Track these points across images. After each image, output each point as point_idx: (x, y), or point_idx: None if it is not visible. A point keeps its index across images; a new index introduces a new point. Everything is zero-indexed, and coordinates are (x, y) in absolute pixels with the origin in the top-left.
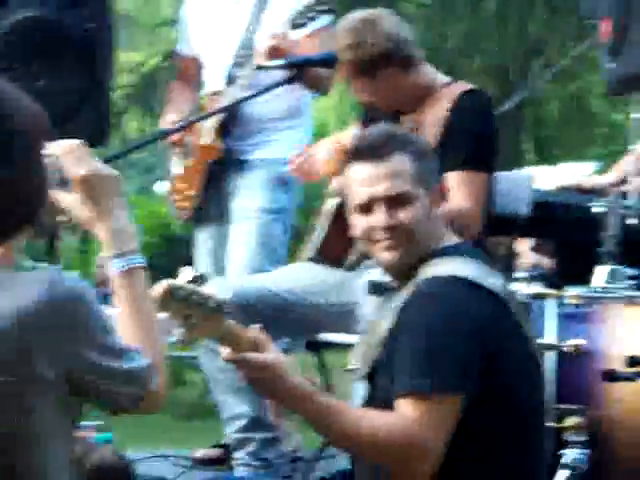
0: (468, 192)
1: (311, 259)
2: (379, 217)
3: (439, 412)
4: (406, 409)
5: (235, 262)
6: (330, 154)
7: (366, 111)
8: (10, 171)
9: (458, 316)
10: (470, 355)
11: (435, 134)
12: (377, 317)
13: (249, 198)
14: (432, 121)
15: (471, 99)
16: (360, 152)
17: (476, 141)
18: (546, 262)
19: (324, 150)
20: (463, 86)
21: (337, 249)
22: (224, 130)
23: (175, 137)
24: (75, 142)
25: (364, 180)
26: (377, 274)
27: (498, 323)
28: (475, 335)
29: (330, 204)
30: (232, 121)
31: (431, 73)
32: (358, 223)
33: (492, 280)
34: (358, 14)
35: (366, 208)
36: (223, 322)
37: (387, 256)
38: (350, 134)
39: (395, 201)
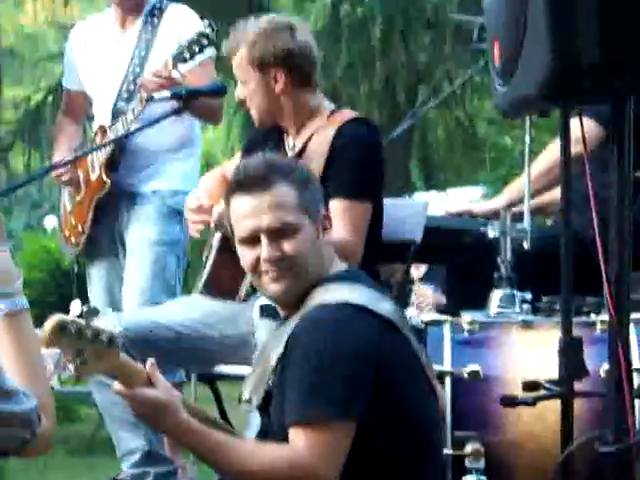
0: (349, 223)
1: (202, 292)
2: (264, 249)
3: (329, 439)
4: (297, 439)
5: (129, 295)
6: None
7: (249, 140)
8: None
9: (345, 341)
10: (359, 379)
11: (319, 163)
12: (267, 346)
13: (142, 231)
14: (317, 149)
15: (355, 128)
16: (241, 184)
17: (359, 171)
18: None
19: (209, 183)
20: (348, 114)
21: (226, 282)
22: (113, 164)
23: (63, 173)
24: None
25: (247, 212)
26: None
27: (390, 347)
28: (364, 360)
29: (216, 236)
30: (121, 154)
31: (319, 98)
32: (244, 256)
33: (383, 305)
34: (283, 16)
35: (250, 241)
36: (116, 356)
37: (274, 288)
38: (234, 164)
39: (279, 232)
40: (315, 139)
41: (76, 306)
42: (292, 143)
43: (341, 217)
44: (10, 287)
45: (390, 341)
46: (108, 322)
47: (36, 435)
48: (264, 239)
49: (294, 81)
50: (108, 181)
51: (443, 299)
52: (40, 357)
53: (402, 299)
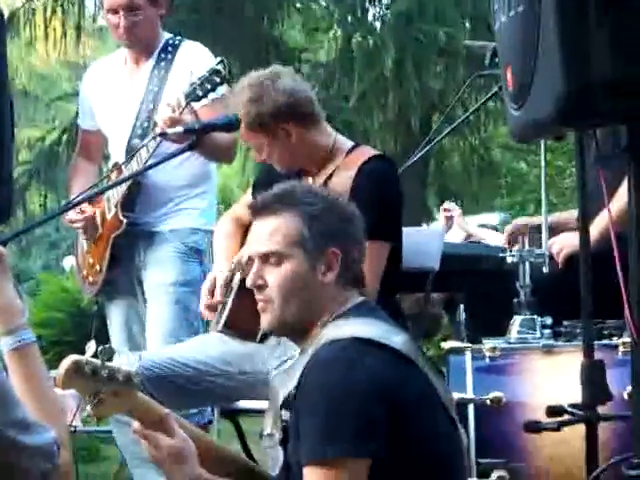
0: (367, 264)
1: (221, 332)
2: (249, 275)
3: (344, 478)
4: (311, 478)
5: (153, 339)
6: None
7: (263, 173)
8: None
9: (356, 379)
10: (372, 416)
11: None
12: (278, 381)
13: (161, 272)
14: (339, 190)
15: (375, 166)
16: (253, 208)
17: (380, 210)
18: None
19: (224, 228)
20: (367, 152)
21: (245, 322)
22: (129, 202)
23: (76, 220)
24: None
25: (251, 237)
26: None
27: (402, 381)
28: (376, 395)
29: (236, 277)
30: (137, 193)
31: (332, 134)
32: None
33: (394, 338)
34: (259, 72)
35: (251, 266)
36: (133, 395)
37: (262, 319)
38: (245, 202)
39: (265, 259)
40: (335, 179)
41: (91, 346)
42: (313, 180)
43: None
44: (16, 322)
45: (402, 374)
46: (126, 362)
47: (56, 467)
48: (254, 265)
49: (303, 128)
50: (124, 220)
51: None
52: (49, 390)
53: (421, 328)
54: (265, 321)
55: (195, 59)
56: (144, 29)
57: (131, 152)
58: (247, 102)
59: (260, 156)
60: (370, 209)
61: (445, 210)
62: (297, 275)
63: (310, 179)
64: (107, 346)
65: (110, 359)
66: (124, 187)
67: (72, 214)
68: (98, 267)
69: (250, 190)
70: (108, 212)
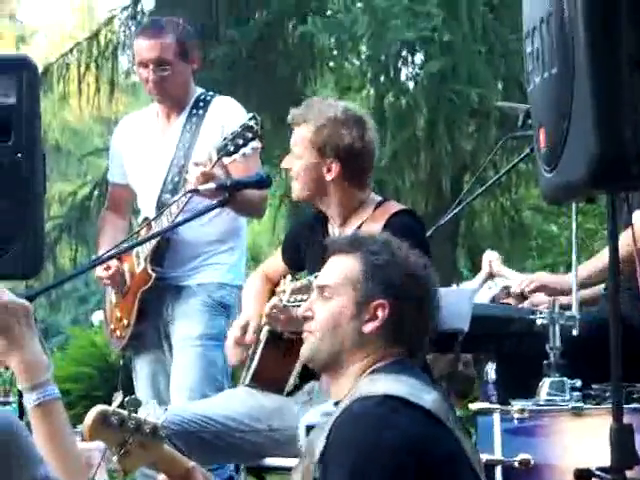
0: None
1: (249, 386)
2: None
3: None
4: None
5: (177, 392)
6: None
7: (292, 231)
8: None
9: (386, 435)
10: (399, 475)
11: None
12: (313, 437)
13: (188, 325)
14: None
15: (403, 220)
16: (329, 245)
17: None
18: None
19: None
20: (395, 207)
21: (273, 375)
22: (158, 257)
23: (104, 277)
24: None
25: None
26: (314, 414)
27: (432, 440)
28: (405, 453)
29: (264, 330)
30: (166, 247)
31: (368, 193)
32: None
33: (426, 396)
34: (352, 107)
35: None
36: (159, 447)
37: (303, 347)
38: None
39: (321, 293)
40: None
41: (118, 397)
42: (338, 233)
43: None
44: (41, 378)
45: (431, 433)
46: (152, 413)
47: None
48: (311, 294)
49: (346, 176)
50: (153, 275)
51: None
52: (74, 446)
53: (455, 388)
54: (303, 350)
55: (227, 114)
56: (174, 84)
57: (162, 207)
58: (330, 120)
59: (288, 164)
60: None
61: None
62: (339, 314)
63: (336, 229)
64: (134, 397)
65: (136, 410)
66: (153, 242)
67: (99, 270)
68: (126, 321)
69: (280, 249)
70: (137, 267)
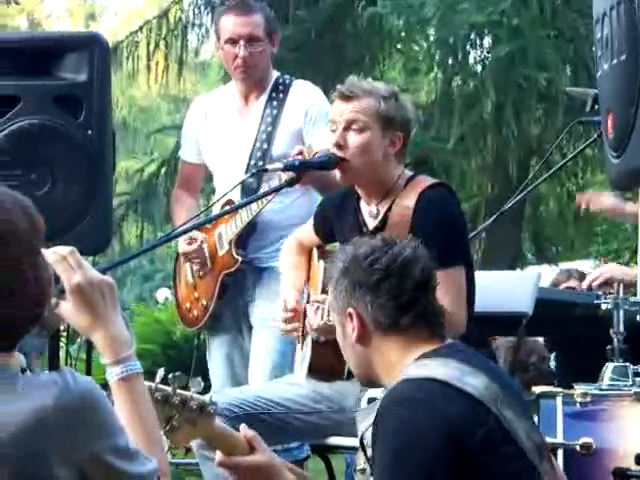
0: (448, 293)
1: (307, 377)
2: None
3: None
4: None
5: (257, 370)
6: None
7: (323, 205)
8: (11, 279)
9: (424, 420)
10: (437, 459)
11: (404, 232)
12: (365, 418)
13: (270, 306)
14: (399, 220)
15: (435, 194)
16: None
17: (446, 237)
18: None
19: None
20: (425, 181)
21: (328, 366)
22: (244, 241)
23: (193, 253)
24: (68, 249)
25: None
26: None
27: (472, 424)
28: (444, 437)
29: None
30: (252, 232)
31: (402, 167)
32: None
33: (472, 381)
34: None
35: None
36: (209, 424)
37: None
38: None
39: None
40: (396, 209)
41: (160, 374)
42: (374, 210)
43: (439, 288)
44: (124, 353)
45: (471, 417)
46: (216, 396)
47: None
48: None
49: (402, 150)
50: (239, 258)
51: None
52: (155, 421)
53: (515, 372)
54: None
55: (309, 98)
56: (261, 62)
57: (247, 190)
58: (392, 94)
59: (342, 140)
60: (434, 237)
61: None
62: (342, 339)
63: (373, 206)
64: (178, 373)
65: (184, 387)
66: (239, 225)
67: (183, 245)
68: (205, 302)
69: (311, 220)
70: (220, 249)
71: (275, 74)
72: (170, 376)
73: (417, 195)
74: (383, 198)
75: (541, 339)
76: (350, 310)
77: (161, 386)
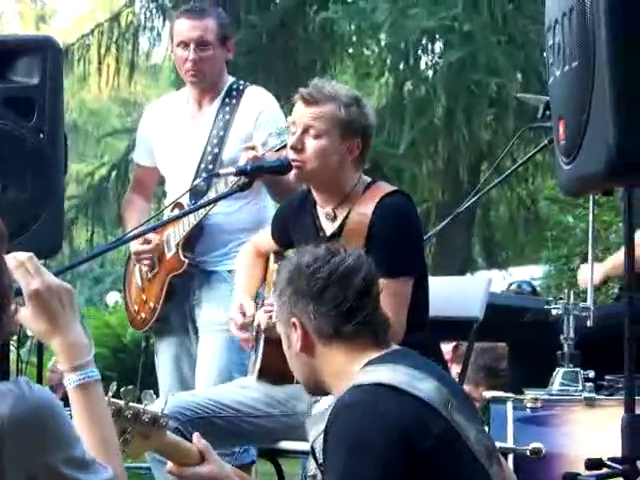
0: (390, 303)
1: (258, 380)
2: None
3: None
4: None
5: (204, 374)
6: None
7: (281, 209)
8: None
9: (374, 425)
10: (389, 463)
11: (360, 239)
12: (316, 424)
13: (217, 310)
14: (356, 227)
15: (393, 202)
16: None
17: (399, 246)
18: None
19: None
20: (384, 188)
21: (279, 369)
22: (191, 243)
23: (143, 253)
24: (27, 255)
25: None
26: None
27: (423, 428)
28: (394, 442)
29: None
30: (200, 234)
31: (360, 174)
32: None
33: (421, 385)
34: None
35: None
36: (162, 436)
37: None
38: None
39: None
40: (353, 215)
41: (112, 388)
42: (331, 212)
43: (383, 297)
44: (82, 359)
45: (422, 421)
46: (159, 404)
47: None
48: None
49: (361, 157)
50: (186, 261)
51: None
52: (112, 428)
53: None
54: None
55: (261, 104)
56: (211, 66)
57: (196, 194)
58: (353, 99)
59: (299, 144)
60: (387, 246)
61: None
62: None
63: (328, 208)
64: (130, 387)
65: (135, 400)
66: (187, 228)
67: (136, 245)
68: (152, 304)
69: (270, 225)
70: (167, 252)
71: (230, 79)
72: (122, 389)
73: (375, 202)
74: (340, 203)
75: None
76: (294, 320)
77: (113, 400)
